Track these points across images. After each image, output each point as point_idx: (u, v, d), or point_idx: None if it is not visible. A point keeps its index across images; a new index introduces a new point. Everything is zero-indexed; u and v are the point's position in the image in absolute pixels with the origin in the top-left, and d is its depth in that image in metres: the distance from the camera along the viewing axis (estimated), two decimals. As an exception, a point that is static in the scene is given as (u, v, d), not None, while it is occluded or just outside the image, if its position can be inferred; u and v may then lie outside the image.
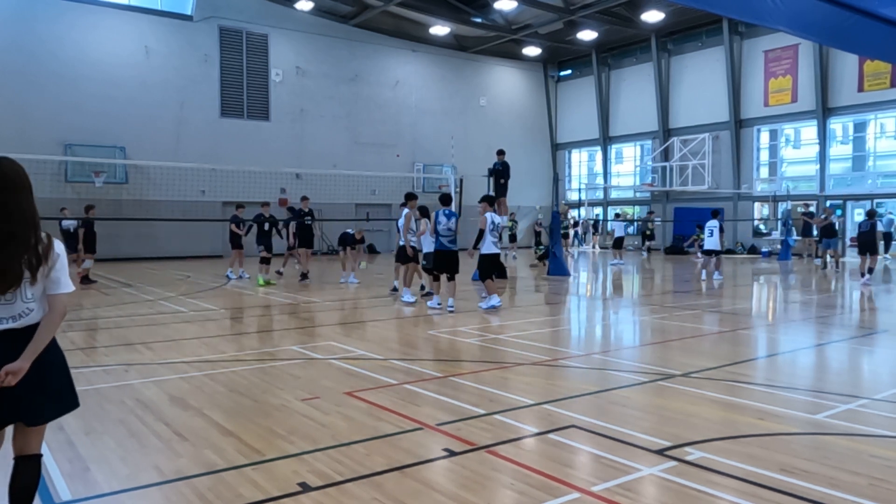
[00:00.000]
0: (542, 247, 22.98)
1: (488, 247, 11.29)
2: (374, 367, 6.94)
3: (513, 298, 13.37)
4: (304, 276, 16.35)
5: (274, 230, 16.38)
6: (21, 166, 2.94)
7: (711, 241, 17.06)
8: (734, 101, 29.99)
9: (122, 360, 7.40)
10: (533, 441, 4.65)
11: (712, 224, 17.13)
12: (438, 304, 11.46)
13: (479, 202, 11.54)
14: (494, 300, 11.22)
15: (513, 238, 27.11)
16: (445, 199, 11.75)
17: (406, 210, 12.45)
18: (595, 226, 33.12)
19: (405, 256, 12.57)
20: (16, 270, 2.77)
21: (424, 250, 12.44)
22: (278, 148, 28.34)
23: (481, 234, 11.23)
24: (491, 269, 11.49)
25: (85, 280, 15.60)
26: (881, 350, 8.27)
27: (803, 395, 5.87)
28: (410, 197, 12.62)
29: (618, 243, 23.47)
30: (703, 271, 17.31)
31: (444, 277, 11.41)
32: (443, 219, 11.22)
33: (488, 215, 11.28)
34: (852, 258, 23.15)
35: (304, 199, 16.87)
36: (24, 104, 23.55)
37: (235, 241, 16.75)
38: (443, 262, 11.30)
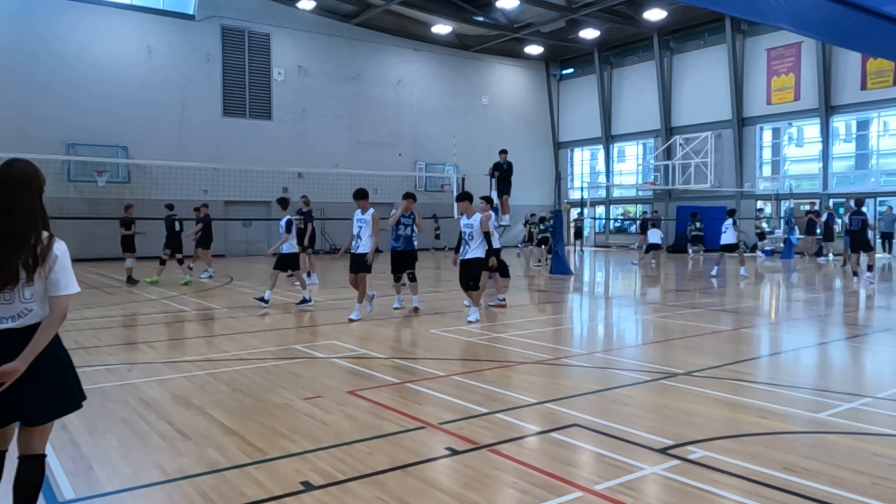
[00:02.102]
0: (543, 226, 22.51)
1: (475, 251, 10.03)
2: (377, 366, 6.95)
3: (515, 297, 13.35)
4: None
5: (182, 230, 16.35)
6: (36, 168, 2.97)
7: (727, 237, 18.09)
8: (737, 100, 29.94)
9: (125, 359, 7.41)
10: (535, 440, 4.64)
11: (728, 222, 18.26)
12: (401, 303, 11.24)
13: (460, 200, 10.45)
14: (474, 314, 9.95)
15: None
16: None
17: (372, 210, 10.23)
18: (643, 226, 30.32)
19: (288, 263, 11.78)
20: (12, 269, 2.77)
21: (363, 250, 10.18)
22: (280, 147, 28.36)
23: (488, 237, 10.05)
24: (477, 273, 10.13)
25: (129, 280, 15.70)
26: (883, 348, 8.24)
27: (806, 394, 5.87)
28: (361, 195, 10.32)
29: (653, 248, 23.03)
30: (715, 267, 18.19)
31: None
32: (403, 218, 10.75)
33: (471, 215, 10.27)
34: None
35: (306, 200, 17.05)
36: (27, 104, 23.59)
37: (201, 242, 16.89)
38: (403, 262, 10.93)
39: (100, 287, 15.09)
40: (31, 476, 2.95)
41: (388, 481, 3.86)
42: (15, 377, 2.74)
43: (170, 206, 16.68)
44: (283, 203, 12.27)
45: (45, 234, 2.88)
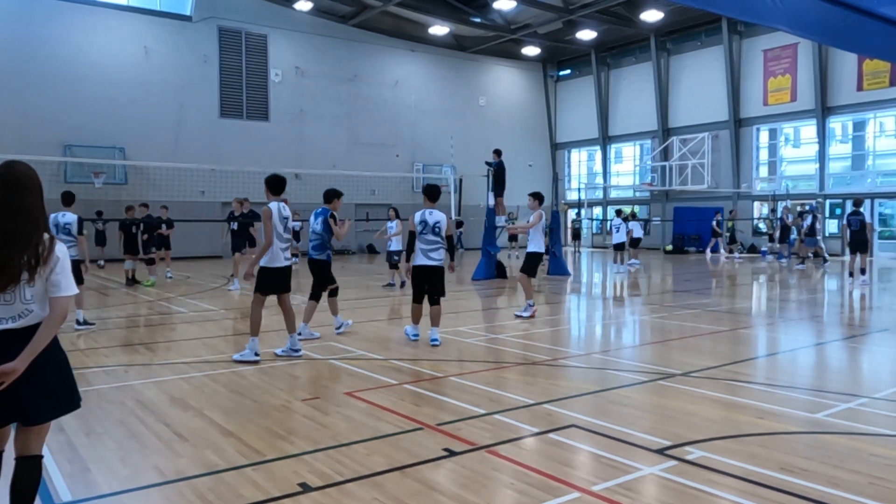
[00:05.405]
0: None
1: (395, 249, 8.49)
2: (374, 367, 6.94)
3: (512, 298, 13.35)
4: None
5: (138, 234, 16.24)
6: (33, 170, 2.99)
7: (618, 236, 19.87)
8: (733, 101, 29.98)
9: (122, 360, 7.40)
10: (533, 441, 4.65)
11: (617, 222, 20.04)
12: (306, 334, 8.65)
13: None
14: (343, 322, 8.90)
15: (513, 238, 27.11)
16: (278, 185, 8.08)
17: (540, 210, 10.17)
18: (731, 232, 28.21)
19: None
20: (14, 269, 2.79)
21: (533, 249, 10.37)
22: (278, 148, 28.32)
23: (413, 238, 8.25)
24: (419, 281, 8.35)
25: (129, 282, 15.61)
26: (880, 349, 8.27)
27: (803, 394, 5.88)
28: (333, 196, 8.87)
29: (635, 243, 23.37)
30: (615, 263, 19.90)
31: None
32: (311, 218, 8.92)
33: (417, 215, 8.24)
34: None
35: (239, 201, 15.42)
36: (24, 105, 23.55)
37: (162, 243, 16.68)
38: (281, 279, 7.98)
39: (97, 289, 15.06)
40: (29, 477, 2.95)
41: (385, 482, 3.86)
42: (14, 377, 2.75)
43: (146, 206, 17.01)
44: (68, 199, 9.58)
45: (45, 235, 2.89)
